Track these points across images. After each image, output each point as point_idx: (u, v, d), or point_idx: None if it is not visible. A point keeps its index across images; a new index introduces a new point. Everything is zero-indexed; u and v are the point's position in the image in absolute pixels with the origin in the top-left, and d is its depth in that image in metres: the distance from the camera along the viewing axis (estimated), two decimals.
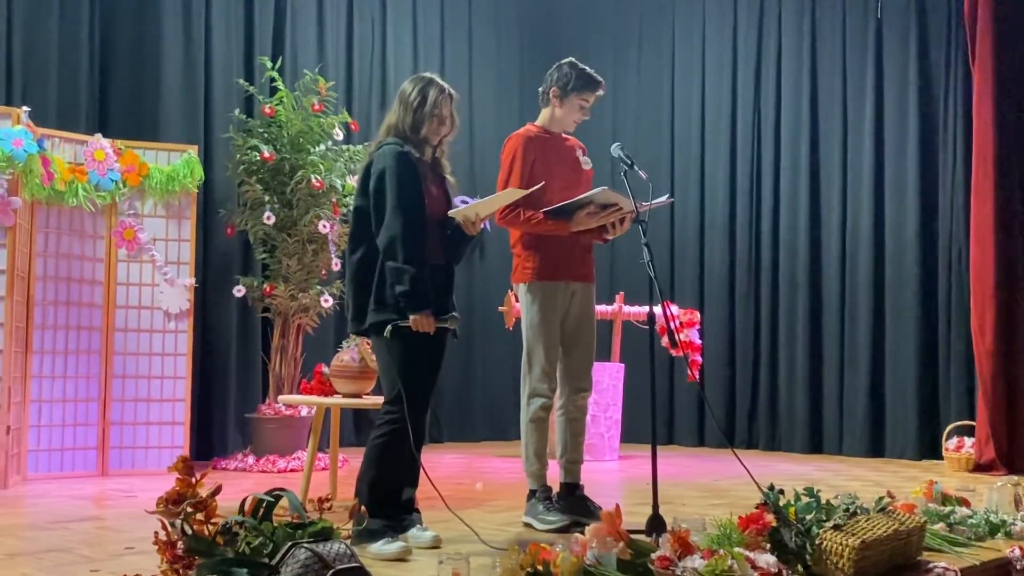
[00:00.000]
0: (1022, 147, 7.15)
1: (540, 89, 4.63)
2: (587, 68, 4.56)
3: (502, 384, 9.24)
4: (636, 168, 4.15)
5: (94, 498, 5.36)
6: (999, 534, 3.86)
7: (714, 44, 9.23)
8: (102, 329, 6.34)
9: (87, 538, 4.11)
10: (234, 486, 5.18)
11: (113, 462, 6.32)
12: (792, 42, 8.76)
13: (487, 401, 9.29)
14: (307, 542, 2.33)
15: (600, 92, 4.59)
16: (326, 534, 2.40)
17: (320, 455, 6.61)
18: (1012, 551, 3.62)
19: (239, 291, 7.01)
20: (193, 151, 6.69)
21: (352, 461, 6.73)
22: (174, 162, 6.57)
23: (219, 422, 7.30)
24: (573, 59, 4.60)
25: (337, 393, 5.06)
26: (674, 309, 7.79)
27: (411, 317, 3.72)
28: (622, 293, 8.00)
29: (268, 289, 6.99)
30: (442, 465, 6.97)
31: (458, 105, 4.09)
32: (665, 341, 7.63)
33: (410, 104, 3.97)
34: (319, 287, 7.13)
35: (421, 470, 3.88)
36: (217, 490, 2.53)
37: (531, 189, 4.18)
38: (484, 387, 9.27)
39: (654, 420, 3.90)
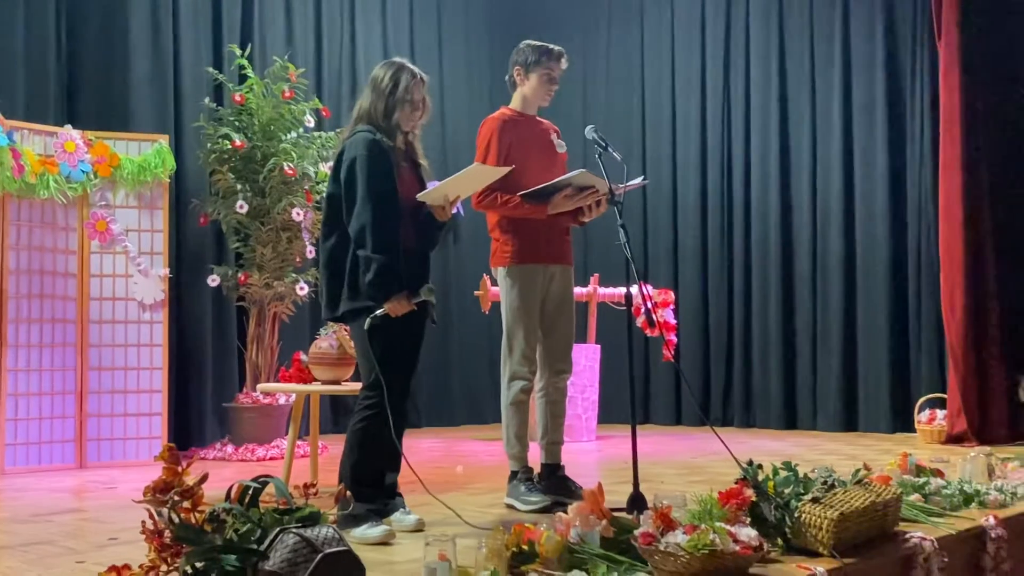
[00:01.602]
0: (988, 122, 7.23)
1: (506, 78, 4.67)
2: (541, 42, 4.61)
3: (479, 368, 9.28)
4: (610, 150, 4.17)
5: (74, 490, 5.36)
6: (973, 504, 3.93)
7: (683, 22, 9.28)
8: (77, 321, 6.31)
9: (70, 530, 4.11)
10: (215, 475, 5.15)
11: (91, 454, 6.31)
12: (760, 21, 8.81)
13: (464, 385, 9.32)
14: (295, 527, 2.35)
15: (563, 62, 4.62)
16: (313, 519, 2.42)
17: (299, 442, 6.61)
18: (987, 520, 3.68)
19: (213, 280, 7.00)
20: (164, 141, 6.66)
21: (331, 448, 6.74)
22: (145, 152, 6.54)
23: (196, 412, 7.28)
24: (528, 39, 4.65)
25: (316, 380, 5.07)
26: (648, 289, 7.83)
27: (386, 304, 3.73)
28: (597, 275, 8.04)
29: (243, 278, 6.98)
30: (421, 449, 6.99)
31: (429, 89, 4.10)
32: (640, 321, 7.67)
33: (382, 91, 3.97)
34: (294, 275, 7.13)
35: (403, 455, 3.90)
36: (204, 478, 2.54)
37: (498, 168, 4.20)
38: (461, 371, 9.30)
39: (633, 400, 3.94)
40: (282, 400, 6.88)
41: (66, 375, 6.26)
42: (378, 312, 3.74)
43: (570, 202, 4.38)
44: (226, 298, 7.29)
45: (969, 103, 7.15)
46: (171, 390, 6.73)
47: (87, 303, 6.35)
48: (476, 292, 7.69)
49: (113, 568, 2.47)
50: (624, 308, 4.05)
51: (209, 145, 7.00)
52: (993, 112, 7.26)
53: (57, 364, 6.23)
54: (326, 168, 7.02)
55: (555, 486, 4.43)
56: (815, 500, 3.13)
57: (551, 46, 4.61)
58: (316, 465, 5.27)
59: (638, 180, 4.61)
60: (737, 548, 2.73)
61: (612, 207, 4.17)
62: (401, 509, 3.87)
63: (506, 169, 4.22)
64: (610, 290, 7.97)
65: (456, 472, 5.79)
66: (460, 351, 9.28)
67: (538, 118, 4.68)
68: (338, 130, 7.13)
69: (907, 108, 8.04)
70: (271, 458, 6.62)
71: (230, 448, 6.73)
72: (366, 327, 3.74)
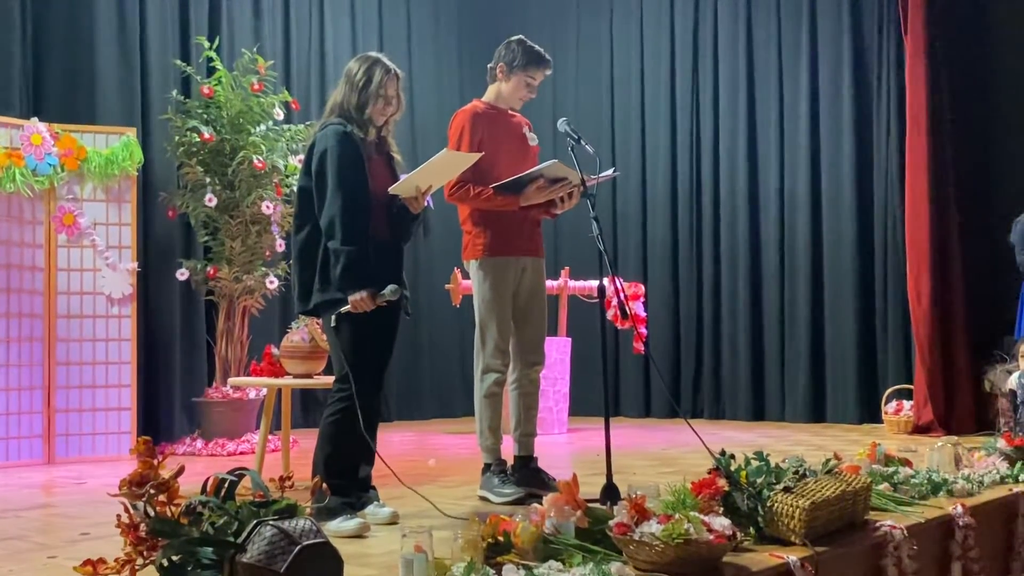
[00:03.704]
0: (954, 115, 7.31)
1: (488, 66, 4.66)
2: (535, 46, 4.61)
3: (449, 362, 9.28)
4: (583, 142, 4.19)
5: (43, 486, 5.31)
6: (941, 492, 3.98)
7: (652, 16, 9.30)
8: (44, 316, 6.26)
9: (40, 526, 4.08)
10: (186, 470, 5.15)
11: (60, 450, 6.25)
12: (728, 13, 8.86)
13: (435, 379, 9.31)
14: (272, 519, 2.35)
15: (547, 71, 4.64)
16: (291, 511, 2.42)
17: (269, 436, 6.58)
18: (955, 508, 3.73)
19: (182, 274, 6.95)
20: (132, 133, 6.60)
21: (302, 442, 6.71)
22: (112, 145, 6.48)
23: (165, 407, 7.22)
24: (522, 37, 4.63)
25: (287, 374, 5.06)
26: (619, 282, 7.86)
27: (349, 298, 3.74)
28: (567, 268, 8.06)
29: (212, 272, 6.94)
30: (392, 443, 6.98)
31: (404, 84, 4.11)
32: (611, 314, 7.70)
33: (356, 84, 3.97)
34: (263, 268, 7.09)
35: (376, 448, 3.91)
36: (180, 471, 2.53)
37: (469, 155, 4.20)
38: (431, 365, 9.29)
39: (606, 391, 3.96)
40: (252, 394, 6.85)
41: (33, 370, 6.20)
42: (342, 309, 3.74)
43: (542, 194, 4.39)
44: (195, 292, 7.24)
45: (935, 95, 7.22)
46: (139, 385, 6.68)
47: (54, 297, 6.29)
48: (447, 285, 7.68)
49: (88, 562, 2.46)
50: (595, 301, 4.08)
51: (177, 138, 6.94)
52: (959, 104, 7.34)
53: (24, 359, 6.16)
54: (296, 161, 6.99)
55: (528, 478, 4.44)
56: (787, 490, 3.16)
57: (543, 54, 4.61)
58: (288, 459, 5.26)
59: (609, 172, 4.63)
60: (711, 537, 2.75)
61: (584, 199, 4.19)
62: (375, 502, 3.87)
63: (476, 156, 4.22)
64: (580, 283, 7.98)
65: (428, 465, 5.79)
66: (430, 344, 9.26)
67: (511, 111, 4.68)
68: (308, 123, 7.12)
69: (874, 100, 8.10)
70: (241, 452, 6.59)
71: (199, 443, 6.69)
72: (332, 324, 3.74)
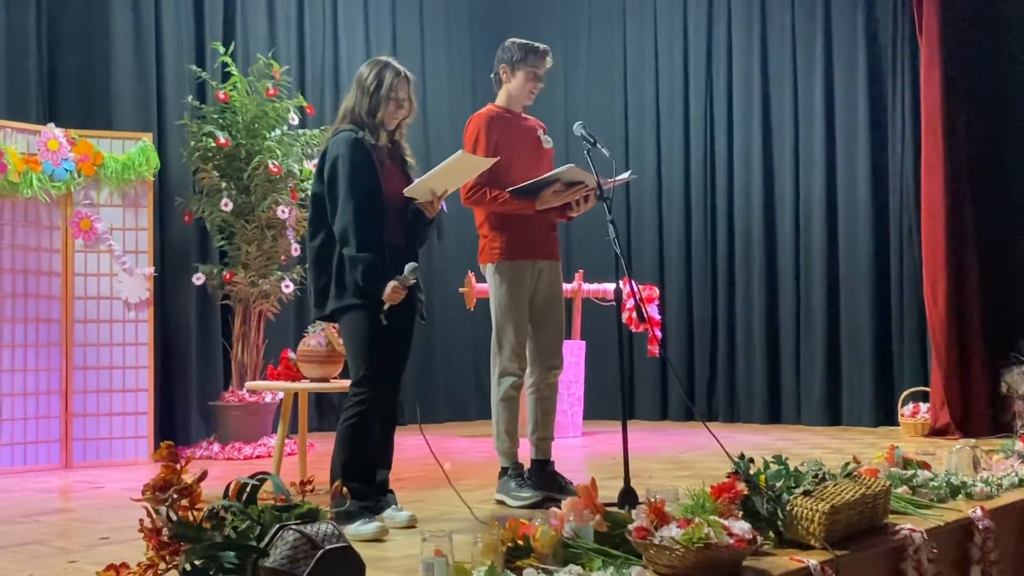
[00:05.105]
0: (969, 117, 7.28)
1: (491, 75, 4.69)
2: (528, 40, 4.64)
3: (463, 366, 9.28)
4: (599, 146, 4.19)
5: (61, 490, 5.34)
6: (960, 495, 3.97)
7: (665, 18, 9.30)
8: (61, 321, 6.28)
9: (59, 530, 4.09)
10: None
11: (77, 454, 6.28)
12: (742, 15, 8.85)
13: (448, 382, 9.31)
14: (295, 524, 2.35)
15: (548, 60, 4.65)
16: (312, 515, 2.42)
17: (286, 440, 6.59)
18: (974, 511, 3.72)
19: (198, 279, 6.98)
20: (148, 139, 6.63)
21: (318, 446, 6.72)
22: (129, 150, 6.51)
23: (181, 411, 7.24)
24: (513, 37, 4.67)
25: (304, 378, 5.07)
26: (634, 285, 7.84)
27: (384, 296, 3.75)
28: (581, 271, 8.05)
29: (228, 276, 6.96)
30: (406, 447, 6.94)
31: (416, 88, 4.12)
32: (626, 317, 7.69)
33: (367, 88, 3.99)
34: (279, 273, 7.11)
35: (427, 445, 3.91)
36: (203, 476, 2.54)
37: (484, 159, 4.21)
38: (445, 369, 9.29)
39: (623, 395, 3.97)
40: (268, 398, 6.87)
41: (51, 375, 6.23)
42: (385, 308, 3.75)
43: (558, 197, 4.40)
44: (211, 296, 7.26)
45: (950, 98, 7.19)
46: (156, 389, 6.70)
47: (72, 302, 6.32)
48: (461, 289, 7.68)
49: (111, 567, 2.47)
50: (610, 304, 4.08)
51: (193, 143, 6.97)
52: (975, 107, 7.31)
53: (42, 364, 6.19)
54: (311, 166, 7.01)
55: (545, 482, 4.45)
56: (806, 493, 3.15)
57: (537, 44, 4.64)
58: (304, 463, 5.27)
59: (626, 175, 4.63)
60: (731, 541, 2.74)
61: (601, 203, 4.20)
62: (393, 506, 3.88)
63: (492, 160, 4.23)
64: (594, 286, 7.97)
65: (444, 468, 5.78)
66: (444, 348, 9.26)
67: (524, 114, 4.70)
68: (323, 127, 7.14)
69: (888, 102, 8.06)
70: (257, 456, 6.60)
71: (216, 447, 6.71)
72: (384, 323, 3.74)
